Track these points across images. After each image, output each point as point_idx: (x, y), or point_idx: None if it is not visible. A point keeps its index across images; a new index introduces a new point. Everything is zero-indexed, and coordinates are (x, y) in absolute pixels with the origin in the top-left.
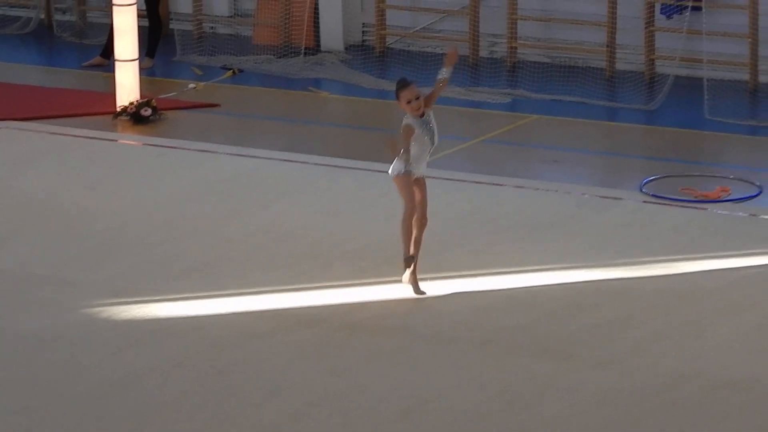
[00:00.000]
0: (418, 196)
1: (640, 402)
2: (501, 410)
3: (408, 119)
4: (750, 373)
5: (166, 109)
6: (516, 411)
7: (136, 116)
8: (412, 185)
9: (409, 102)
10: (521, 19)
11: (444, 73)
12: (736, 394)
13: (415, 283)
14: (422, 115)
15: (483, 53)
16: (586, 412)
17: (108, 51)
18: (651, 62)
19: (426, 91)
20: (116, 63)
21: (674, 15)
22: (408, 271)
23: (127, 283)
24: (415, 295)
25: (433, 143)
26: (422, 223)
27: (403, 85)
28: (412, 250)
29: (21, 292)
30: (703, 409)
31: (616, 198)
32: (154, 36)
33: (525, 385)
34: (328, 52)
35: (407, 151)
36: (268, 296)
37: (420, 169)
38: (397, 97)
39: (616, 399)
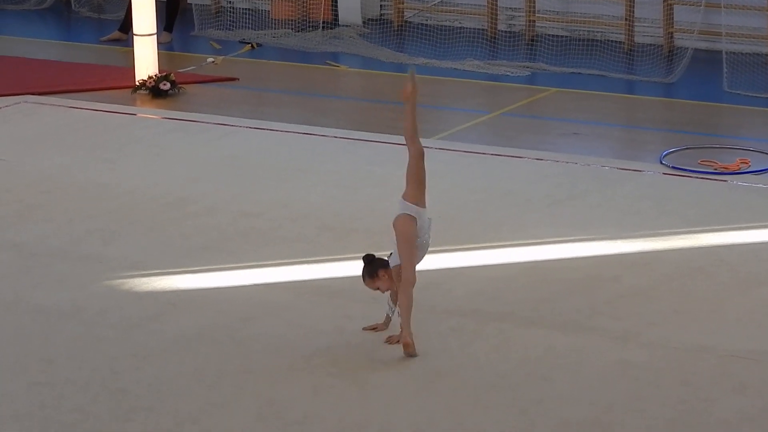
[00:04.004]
0: None
1: (659, 374)
2: (520, 383)
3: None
4: (766, 345)
5: (184, 83)
6: (535, 383)
7: (155, 90)
8: None
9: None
10: None
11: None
12: (753, 366)
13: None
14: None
15: (501, 27)
16: (604, 384)
17: (126, 25)
18: (670, 35)
19: None
20: (134, 37)
21: None
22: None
23: (145, 257)
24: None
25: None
26: None
27: (380, 264)
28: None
29: (40, 266)
30: (721, 382)
31: (635, 170)
32: (172, 10)
33: (544, 357)
34: (347, 26)
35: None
36: (287, 268)
37: None
38: (375, 274)
39: (634, 371)
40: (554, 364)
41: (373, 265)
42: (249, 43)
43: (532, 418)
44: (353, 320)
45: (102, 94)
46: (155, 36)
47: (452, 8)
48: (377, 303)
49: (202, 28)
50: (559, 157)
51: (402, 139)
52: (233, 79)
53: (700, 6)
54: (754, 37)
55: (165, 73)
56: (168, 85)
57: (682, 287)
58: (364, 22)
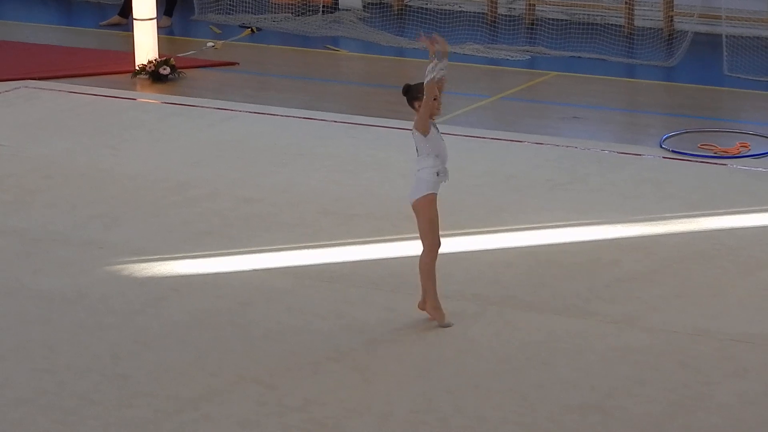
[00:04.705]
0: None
1: (660, 358)
2: (520, 367)
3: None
4: (767, 329)
5: (184, 68)
6: (535, 368)
7: (155, 75)
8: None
9: (435, 98)
10: None
11: (440, 67)
12: (754, 350)
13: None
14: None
15: (501, 10)
16: (605, 368)
17: (126, 10)
18: (670, 19)
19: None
20: (134, 22)
21: None
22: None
23: (147, 243)
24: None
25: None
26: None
27: (417, 87)
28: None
29: (42, 252)
30: (722, 366)
31: (635, 154)
32: None
33: (544, 342)
34: (347, 10)
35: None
36: (288, 253)
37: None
38: (416, 97)
39: (635, 355)
40: (555, 348)
41: (412, 92)
42: (249, 28)
43: (533, 403)
44: (354, 305)
45: (102, 79)
46: (155, 20)
47: None
48: (378, 289)
49: (202, 12)
50: (560, 141)
51: (403, 124)
52: (233, 64)
53: None
54: (754, 21)
55: (165, 58)
56: (168, 70)
57: (683, 271)
58: (364, 6)
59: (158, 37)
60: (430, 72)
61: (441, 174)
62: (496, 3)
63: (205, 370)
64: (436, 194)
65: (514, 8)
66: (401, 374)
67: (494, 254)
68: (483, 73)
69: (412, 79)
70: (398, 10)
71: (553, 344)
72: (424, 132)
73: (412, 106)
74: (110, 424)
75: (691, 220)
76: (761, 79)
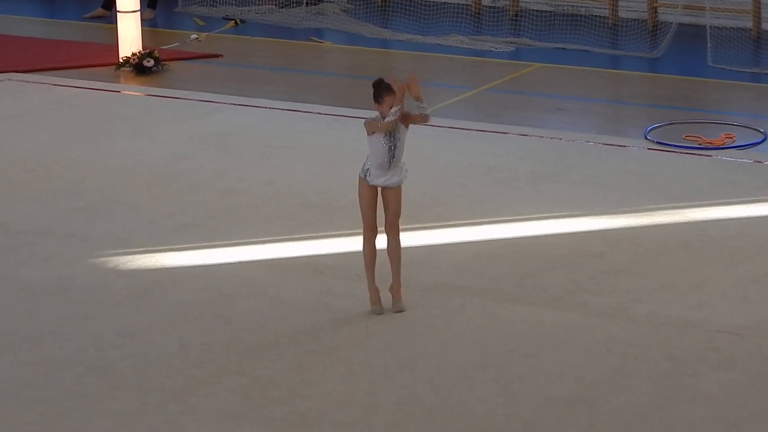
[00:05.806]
0: (385, 210)
1: (645, 350)
2: (504, 360)
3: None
4: (751, 320)
5: (168, 60)
6: (519, 360)
7: (138, 67)
8: (371, 196)
9: (392, 107)
10: None
11: (422, 107)
12: (739, 341)
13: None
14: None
15: (485, 2)
16: (590, 360)
17: (109, 2)
18: (654, 10)
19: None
20: (118, 14)
21: None
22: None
23: (130, 235)
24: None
25: (392, 157)
26: (393, 245)
27: (386, 87)
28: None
29: (26, 245)
30: (707, 357)
31: (620, 146)
32: None
33: (529, 334)
34: (331, 2)
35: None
36: (272, 246)
37: (383, 181)
38: (380, 98)
39: (620, 347)
40: (539, 340)
41: (378, 91)
42: (233, 20)
43: (517, 395)
44: (337, 297)
45: (86, 72)
46: (139, 13)
47: None
48: (361, 281)
49: (185, 4)
50: (544, 132)
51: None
52: (217, 56)
53: None
54: (737, 12)
55: (149, 50)
56: (152, 62)
57: (668, 262)
58: None
59: (142, 30)
60: (392, 115)
61: (369, 174)
62: None
63: (190, 362)
64: (362, 179)
65: (498, 0)
66: (385, 366)
67: (478, 246)
68: (467, 65)
69: (395, 72)
70: (382, 1)
71: (538, 336)
72: (367, 132)
73: (375, 101)
74: (94, 416)
75: (675, 211)
76: (745, 70)
